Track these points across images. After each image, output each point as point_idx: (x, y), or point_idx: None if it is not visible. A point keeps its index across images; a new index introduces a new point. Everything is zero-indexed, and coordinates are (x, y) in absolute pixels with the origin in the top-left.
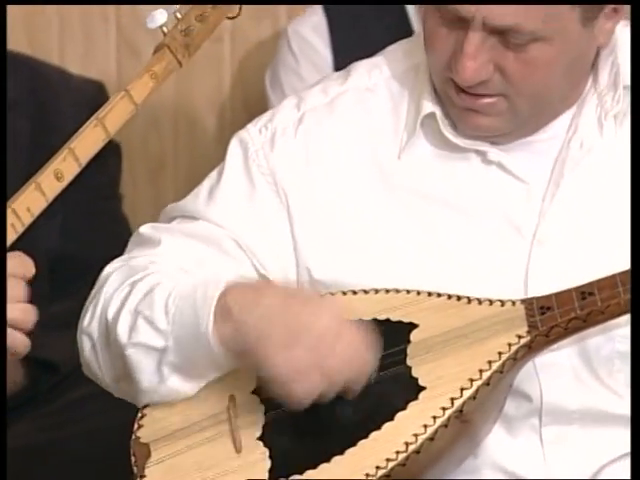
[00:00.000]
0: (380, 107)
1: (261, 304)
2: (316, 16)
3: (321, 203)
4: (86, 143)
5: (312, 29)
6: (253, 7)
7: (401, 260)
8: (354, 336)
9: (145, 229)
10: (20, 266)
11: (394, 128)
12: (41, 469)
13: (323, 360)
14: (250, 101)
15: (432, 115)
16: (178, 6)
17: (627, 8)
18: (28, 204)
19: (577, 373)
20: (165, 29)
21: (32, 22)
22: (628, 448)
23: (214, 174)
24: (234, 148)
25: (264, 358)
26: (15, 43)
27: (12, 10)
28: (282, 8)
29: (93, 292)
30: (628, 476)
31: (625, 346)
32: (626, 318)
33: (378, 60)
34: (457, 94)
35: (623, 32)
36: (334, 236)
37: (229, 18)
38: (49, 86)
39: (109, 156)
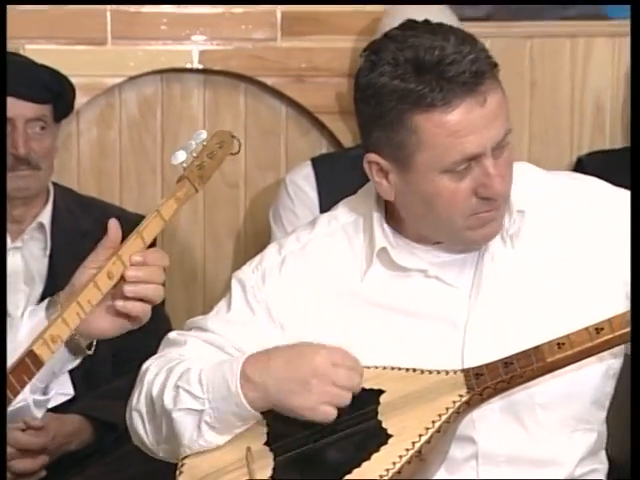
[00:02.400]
0: (340, 246)
1: (271, 367)
2: (306, 169)
3: (305, 321)
4: (129, 250)
5: (303, 178)
6: (260, 161)
7: (367, 356)
8: (343, 356)
9: (173, 335)
10: (161, 258)
11: (353, 259)
12: None
13: (327, 385)
14: (258, 230)
15: (384, 248)
16: (194, 147)
17: None
18: (89, 298)
19: (505, 424)
20: (185, 165)
21: (100, 175)
22: None
23: (223, 304)
24: (235, 286)
25: (289, 405)
26: (87, 189)
27: (85, 165)
28: (282, 162)
29: (137, 381)
30: None
31: (543, 399)
32: (541, 379)
33: (334, 213)
34: (487, 215)
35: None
36: (318, 342)
37: (232, 154)
38: None
39: None
